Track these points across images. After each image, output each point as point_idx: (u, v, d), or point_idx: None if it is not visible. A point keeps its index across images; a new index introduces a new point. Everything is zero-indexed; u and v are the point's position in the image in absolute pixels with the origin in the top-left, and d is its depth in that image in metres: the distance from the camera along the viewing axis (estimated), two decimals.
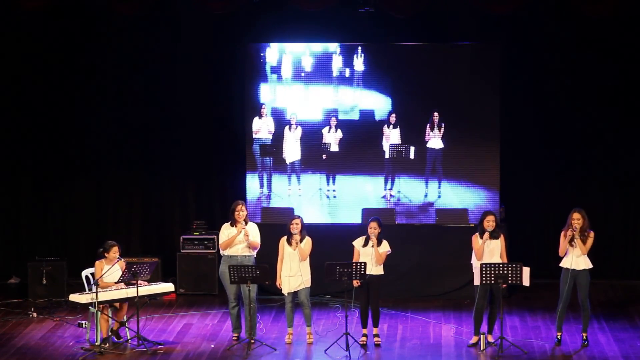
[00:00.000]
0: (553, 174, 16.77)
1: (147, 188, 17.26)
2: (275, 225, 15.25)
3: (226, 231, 13.84)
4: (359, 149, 16.30)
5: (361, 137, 16.28)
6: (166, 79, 16.83)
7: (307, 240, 13.77)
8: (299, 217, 13.84)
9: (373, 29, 16.03)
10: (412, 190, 16.23)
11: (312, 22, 15.93)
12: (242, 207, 13.80)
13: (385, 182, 16.27)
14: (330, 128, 16.26)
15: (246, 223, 13.81)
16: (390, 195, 16.30)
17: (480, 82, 15.81)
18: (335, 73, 16.16)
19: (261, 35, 16.19)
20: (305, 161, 16.31)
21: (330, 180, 16.35)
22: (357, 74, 16.21)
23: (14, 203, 17.28)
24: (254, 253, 13.89)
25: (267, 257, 14.06)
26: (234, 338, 13.89)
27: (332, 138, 16.28)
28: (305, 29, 16.07)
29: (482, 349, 13.36)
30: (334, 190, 16.34)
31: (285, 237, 13.77)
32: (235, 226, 13.77)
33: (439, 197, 16.15)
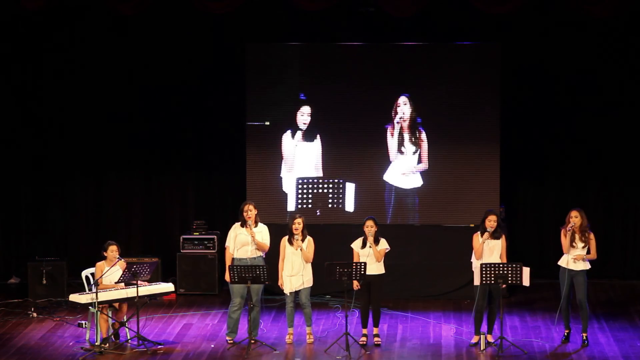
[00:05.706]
0: (553, 174, 16.77)
1: (147, 188, 17.26)
2: (276, 225, 15.14)
3: (233, 232, 13.72)
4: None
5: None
6: (166, 79, 16.82)
7: (309, 241, 13.68)
8: (300, 216, 13.66)
9: (373, 29, 16.01)
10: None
11: (312, 22, 15.92)
12: (250, 207, 13.63)
13: None
14: None
15: (256, 223, 13.70)
16: None
17: (480, 82, 15.78)
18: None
19: (261, 35, 16.18)
20: None
21: None
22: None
23: (14, 203, 17.27)
24: (263, 254, 13.75)
25: (268, 257, 14.07)
26: (229, 341, 13.75)
27: None
28: (305, 29, 16.06)
29: (482, 349, 13.36)
30: None
31: (286, 237, 13.71)
32: (245, 227, 13.68)
33: None
